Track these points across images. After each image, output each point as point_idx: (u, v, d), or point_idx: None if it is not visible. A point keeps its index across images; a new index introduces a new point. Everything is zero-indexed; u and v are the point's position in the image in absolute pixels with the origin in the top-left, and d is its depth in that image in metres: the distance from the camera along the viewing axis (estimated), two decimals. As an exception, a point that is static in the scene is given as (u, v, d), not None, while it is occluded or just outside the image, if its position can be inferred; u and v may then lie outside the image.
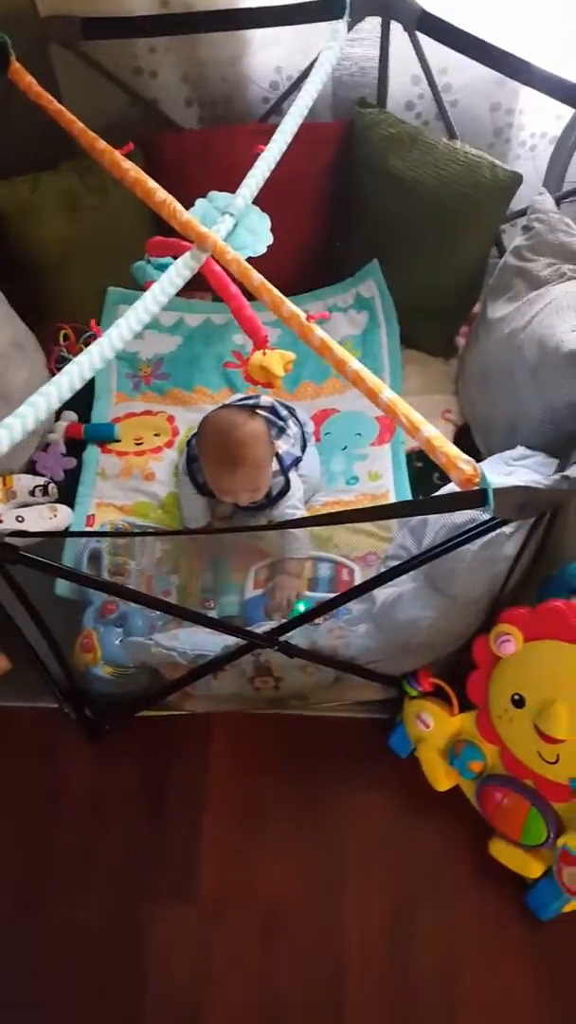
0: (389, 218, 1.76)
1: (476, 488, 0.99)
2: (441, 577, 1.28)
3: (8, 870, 1.40)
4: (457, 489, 1.02)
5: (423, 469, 1.69)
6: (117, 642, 1.39)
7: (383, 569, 1.39)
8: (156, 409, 1.82)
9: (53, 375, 1.66)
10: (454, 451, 1.04)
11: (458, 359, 1.84)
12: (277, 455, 1.53)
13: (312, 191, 1.85)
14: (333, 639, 1.34)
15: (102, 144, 1.45)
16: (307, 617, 1.24)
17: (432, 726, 1.36)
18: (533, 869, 1.30)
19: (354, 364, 1.15)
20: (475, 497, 0.99)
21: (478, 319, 1.73)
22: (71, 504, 1.63)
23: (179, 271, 1.30)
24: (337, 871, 1.37)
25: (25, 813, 1.46)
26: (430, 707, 1.36)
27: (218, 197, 1.43)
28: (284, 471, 1.54)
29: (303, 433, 1.66)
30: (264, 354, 1.30)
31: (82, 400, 1.79)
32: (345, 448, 1.72)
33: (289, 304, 1.22)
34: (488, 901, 1.34)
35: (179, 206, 1.36)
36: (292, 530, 1.53)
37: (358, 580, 1.50)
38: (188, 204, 1.39)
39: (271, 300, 1.24)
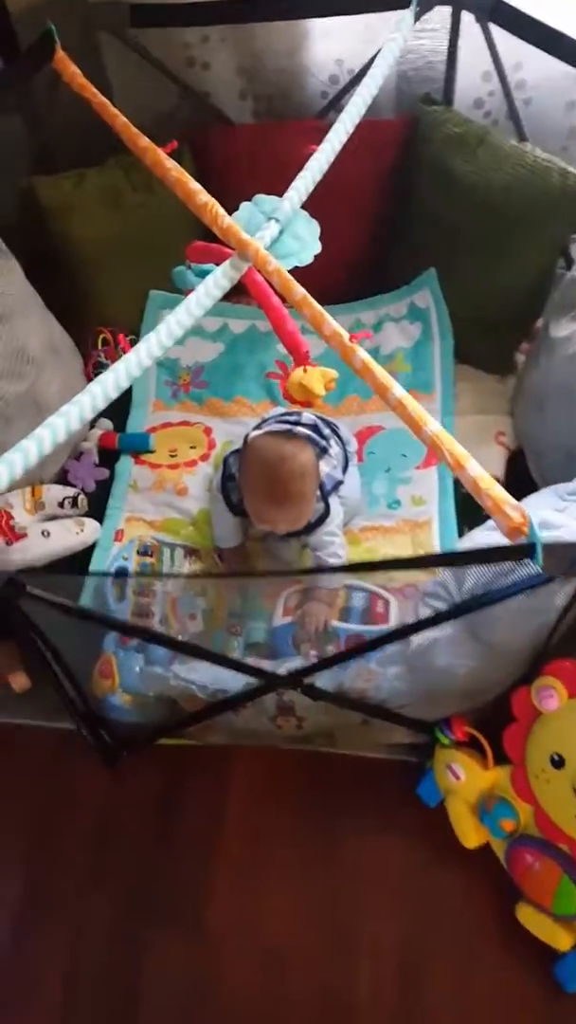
0: (449, 224, 1.65)
1: (524, 541, 0.88)
2: (482, 624, 1.17)
3: (16, 883, 1.36)
4: (502, 539, 0.92)
5: (471, 496, 1.57)
6: (137, 669, 1.32)
7: (422, 605, 1.30)
8: (193, 420, 1.74)
9: (90, 381, 1.59)
10: (501, 494, 0.94)
11: (516, 378, 1.72)
12: (319, 482, 1.44)
13: (368, 192, 1.74)
14: (362, 682, 1.25)
15: (144, 141, 1.37)
16: (334, 660, 1.15)
17: (464, 778, 1.26)
18: (563, 941, 1.20)
19: (397, 391, 1.06)
20: (522, 551, 0.89)
21: (539, 337, 1.61)
22: (101, 517, 1.56)
23: (217, 281, 1.22)
24: (350, 916, 1.30)
25: (37, 830, 1.41)
26: (463, 758, 1.26)
27: (264, 201, 1.34)
28: (324, 496, 1.44)
29: (345, 453, 1.56)
30: (305, 371, 1.22)
31: (119, 408, 1.74)
32: (389, 470, 1.62)
33: (331, 322, 1.13)
34: (510, 966, 1.24)
35: (221, 210, 1.28)
36: (324, 558, 1.44)
37: (394, 614, 1.40)
38: (236, 205, 1.31)
39: (312, 316, 1.15)
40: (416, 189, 1.68)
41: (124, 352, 1.73)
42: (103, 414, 1.70)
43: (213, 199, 1.29)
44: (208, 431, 1.72)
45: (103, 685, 1.31)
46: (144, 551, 1.50)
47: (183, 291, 1.41)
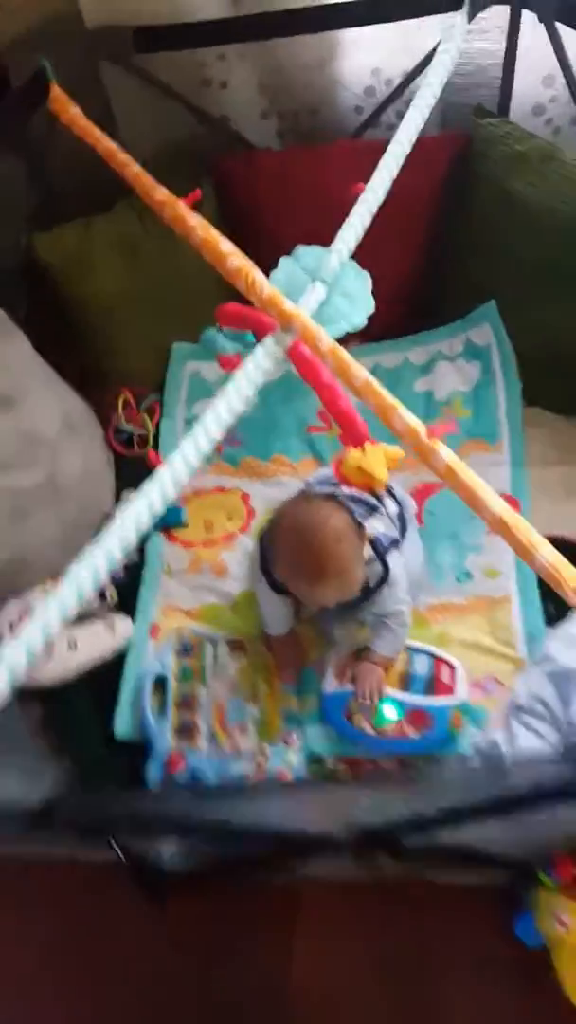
0: (511, 251, 1.44)
1: None
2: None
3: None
4: None
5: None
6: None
7: (516, 723, 1.12)
8: (229, 485, 1.56)
9: (112, 450, 1.41)
10: None
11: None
12: (371, 540, 1.24)
13: (415, 217, 1.54)
14: (453, 833, 1.07)
15: (162, 193, 1.18)
16: (436, 821, 0.96)
17: (571, 928, 1.08)
18: None
19: (496, 506, 0.87)
20: None
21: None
22: (131, 608, 1.39)
23: (258, 364, 1.03)
24: None
25: (72, 975, 1.27)
26: (571, 905, 1.08)
27: (306, 255, 1.15)
28: (381, 555, 1.24)
29: (402, 513, 1.36)
30: (363, 450, 1.03)
31: (144, 478, 1.56)
32: (455, 535, 1.43)
33: (404, 413, 0.93)
34: None
35: (259, 275, 1.09)
36: (393, 626, 1.26)
37: (461, 682, 1.24)
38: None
39: (380, 406, 0.96)
40: (471, 214, 1.48)
41: (147, 416, 1.58)
42: (128, 484, 1.56)
43: (248, 261, 1.10)
44: (246, 498, 1.54)
45: (150, 829, 1.14)
46: (184, 650, 1.33)
47: (213, 358, 1.25)
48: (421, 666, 1.27)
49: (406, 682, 1.26)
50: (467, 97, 1.48)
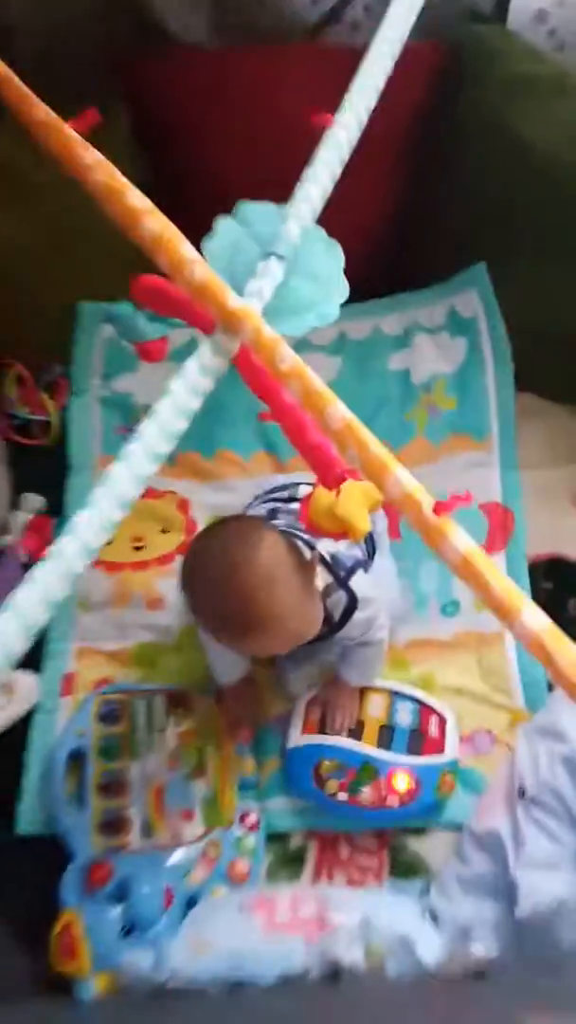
0: (504, 201, 1.16)
1: None
2: None
3: None
4: None
5: (554, 591, 1.16)
6: (113, 931, 0.91)
7: (527, 821, 0.92)
8: (162, 487, 1.27)
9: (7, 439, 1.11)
10: None
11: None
12: (325, 561, 0.99)
13: (390, 151, 1.23)
14: (457, 964, 0.86)
15: (43, 112, 0.83)
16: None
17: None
18: None
19: (529, 615, 0.61)
20: None
21: None
22: (37, 657, 1.12)
23: (195, 379, 0.74)
24: None
25: None
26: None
27: (254, 214, 0.84)
28: (342, 580, 0.99)
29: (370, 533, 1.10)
30: (338, 493, 0.79)
31: (49, 471, 1.27)
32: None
33: (401, 477, 0.66)
34: None
35: (188, 249, 0.77)
36: (371, 655, 1.05)
37: (452, 736, 1.05)
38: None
39: (367, 462, 0.68)
40: (459, 150, 1.17)
41: (47, 394, 1.26)
42: (30, 486, 1.26)
43: (170, 225, 0.78)
44: (184, 505, 1.27)
45: (68, 968, 0.90)
46: (108, 715, 1.07)
47: (130, 343, 0.97)
48: (405, 716, 1.07)
49: (387, 737, 1.05)
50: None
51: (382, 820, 1.02)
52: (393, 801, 1.00)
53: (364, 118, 0.85)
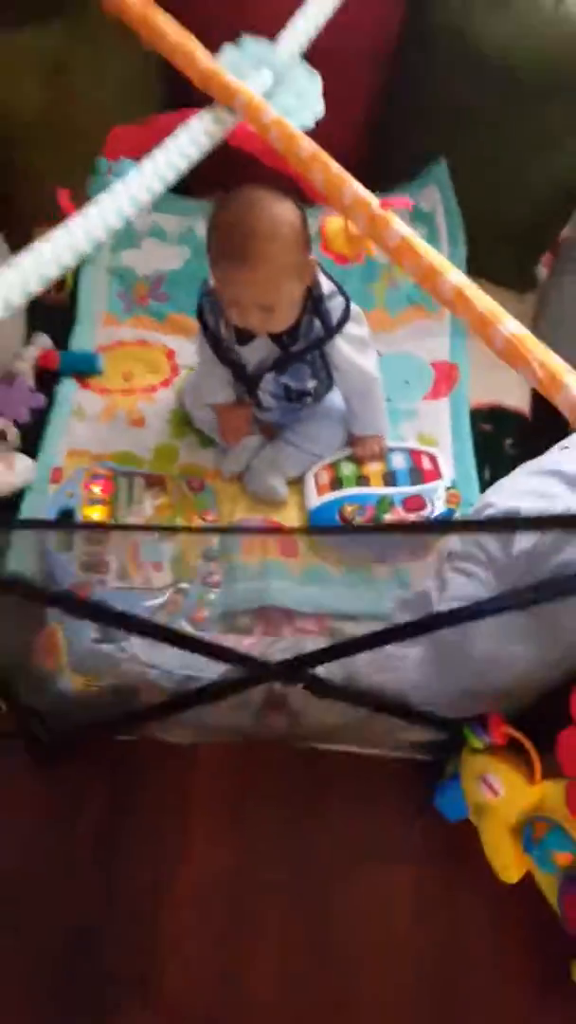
0: (465, 104, 1.41)
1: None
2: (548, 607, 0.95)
3: None
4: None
5: (493, 434, 1.37)
6: (87, 642, 1.07)
7: (449, 570, 1.09)
8: (152, 339, 1.49)
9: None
10: (557, 363, 0.74)
11: (537, 294, 1.50)
12: (328, 274, 1.21)
13: (363, 67, 1.48)
14: (376, 674, 1.03)
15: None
16: (348, 648, 0.92)
17: (503, 794, 1.05)
18: None
19: (454, 277, 0.82)
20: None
21: (569, 243, 1.40)
22: (35, 452, 1.30)
23: (195, 136, 0.96)
24: (348, 981, 1.09)
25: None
26: (502, 768, 1.05)
27: (252, 43, 1.09)
28: (341, 291, 1.22)
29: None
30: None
31: (60, 323, 1.47)
32: (389, 400, 1.39)
33: (354, 184, 0.89)
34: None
35: (202, 50, 1.02)
36: (372, 400, 1.29)
37: (446, 464, 1.28)
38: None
39: (327, 179, 0.91)
40: (423, 61, 1.44)
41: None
42: (41, 328, 1.46)
43: (189, 34, 1.03)
44: (171, 354, 1.47)
45: (46, 663, 1.06)
46: (93, 485, 1.25)
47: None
48: (400, 462, 1.30)
49: (392, 479, 1.27)
50: None
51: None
52: (413, 518, 1.21)
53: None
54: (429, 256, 0.83)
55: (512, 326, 0.77)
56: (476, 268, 1.48)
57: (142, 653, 1.04)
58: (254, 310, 1.12)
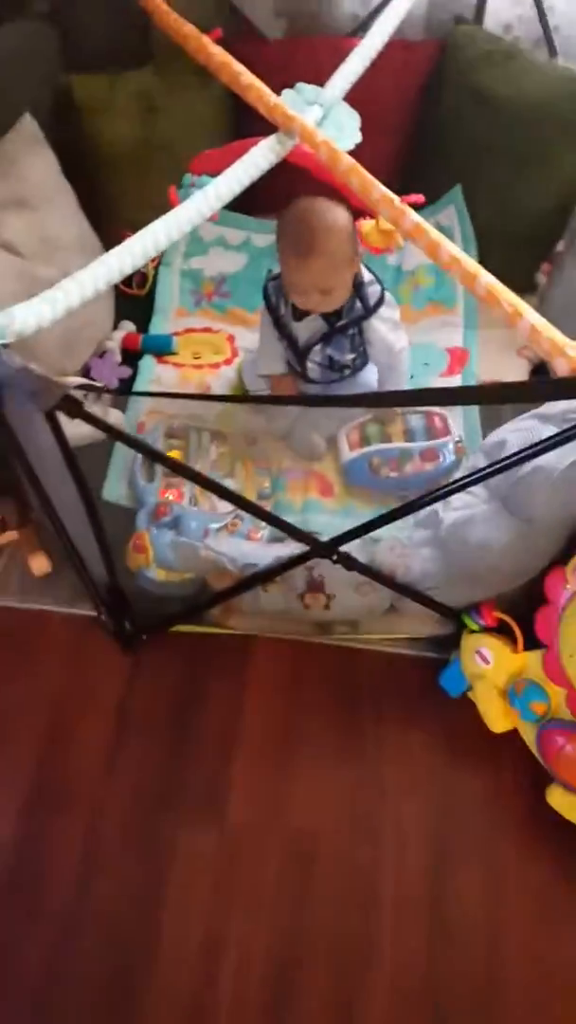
0: (476, 140, 1.75)
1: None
2: (520, 498, 1.23)
3: (30, 766, 1.39)
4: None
5: (491, 409, 1.65)
6: (168, 542, 1.36)
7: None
8: (216, 327, 1.81)
9: (116, 289, 1.57)
10: (560, 337, 1.01)
11: (538, 295, 1.80)
12: (369, 268, 1.51)
13: (398, 114, 1.84)
14: (394, 557, 1.31)
15: (188, 27, 1.44)
16: (371, 526, 1.19)
17: (493, 662, 1.32)
18: (596, 820, 1.26)
19: (449, 247, 1.12)
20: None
21: (564, 253, 1.69)
22: (123, 411, 1.62)
23: (263, 153, 1.28)
24: (374, 810, 1.35)
25: (54, 715, 1.45)
26: (492, 642, 1.32)
27: (307, 89, 1.42)
28: (379, 281, 1.51)
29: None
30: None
31: (141, 313, 1.80)
32: (412, 378, 1.68)
33: (380, 187, 1.20)
34: (542, 849, 1.30)
35: (267, 90, 1.35)
36: (398, 368, 1.56)
37: (454, 425, 1.56)
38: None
39: (361, 183, 1.22)
40: (444, 106, 1.78)
41: (152, 262, 1.81)
42: (126, 317, 1.79)
43: (258, 80, 1.35)
44: (231, 339, 1.79)
45: (137, 559, 1.36)
46: (171, 434, 1.56)
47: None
48: (416, 422, 1.58)
49: (409, 436, 1.56)
50: (448, 13, 1.78)
51: (422, 482, 1.48)
52: (429, 467, 1.50)
53: (379, 46, 1.43)
54: (432, 234, 1.14)
55: (487, 279, 1.07)
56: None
57: (212, 544, 1.33)
58: (314, 293, 1.43)
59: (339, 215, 1.39)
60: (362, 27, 1.81)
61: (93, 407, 1.58)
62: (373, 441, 1.56)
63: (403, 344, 1.56)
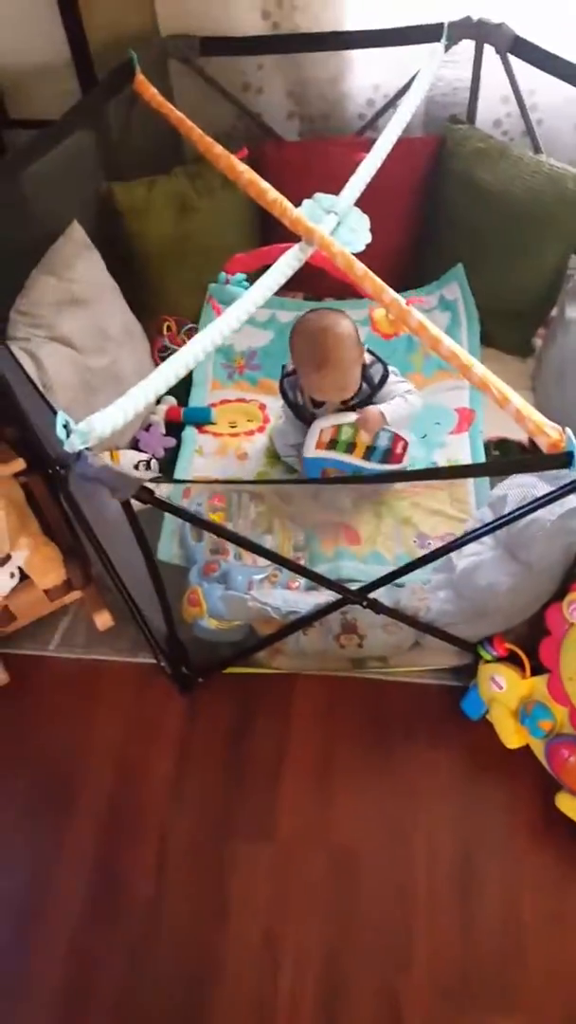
0: (475, 227, 1.97)
1: (562, 451, 1.15)
2: (520, 546, 1.44)
3: (102, 799, 1.58)
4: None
5: (500, 458, 1.86)
6: (219, 595, 1.57)
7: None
8: (249, 397, 2.03)
9: (156, 363, 1.84)
10: (540, 418, 1.21)
11: (535, 359, 2.01)
12: (371, 352, 1.73)
13: (404, 201, 2.06)
14: (416, 600, 1.51)
15: (219, 148, 1.68)
16: (395, 575, 1.39)
17: (505, 687, 1.51)
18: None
19: (448, 342, 1.34)
20: (560, 459, 1.15)
21: (556, 321, 1.91)
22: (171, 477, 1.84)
23: (288, 263, 1.50)
24: (407, 820, 1.53)
25: (118, 755, 1.64)
26: (504, 670, 1.51)
27: (323, 198, 1.65)
28: (380, 359, 1.73)
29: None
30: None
31: (181, 386, 2.02)
32: (425, 436, 1.89)
33: (390, 291, 1.42)
34: (554, 849, 1.48)
35: (289, 204, 1.58)
36: (404, 405, 1.72)
37: (406, 455, 1.72)
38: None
39: (374, 288, 1.44)
40: (445, 197, 2.00)
41: (186, 338, 2.05)
42: (168, 391, 2.01)
43: (281, 195, 1.59)
44: (263, 407, 2.01)
45: (192, 612, 1.57)
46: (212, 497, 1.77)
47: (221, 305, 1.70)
48: (383, 440, 1.71)
49: (368, 454, 1.72)
50: (445, 111, 2.03)
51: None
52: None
53: (383, 156, 1.66)
54: (433, 331, 1.35)
55: (480, 369, 1.28)
56: (489, 341, 2.03)
57: (259, 596, 1.54)
58: (332, 391, 1.67)
59: (344, 325, 1.63)
60: (368, 126, 2.06)
61: (145, 475, 1.82)
62: (339, 448, 1.71)
63: (412, 387, 1.76)
